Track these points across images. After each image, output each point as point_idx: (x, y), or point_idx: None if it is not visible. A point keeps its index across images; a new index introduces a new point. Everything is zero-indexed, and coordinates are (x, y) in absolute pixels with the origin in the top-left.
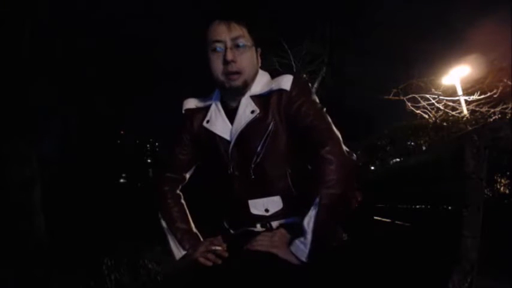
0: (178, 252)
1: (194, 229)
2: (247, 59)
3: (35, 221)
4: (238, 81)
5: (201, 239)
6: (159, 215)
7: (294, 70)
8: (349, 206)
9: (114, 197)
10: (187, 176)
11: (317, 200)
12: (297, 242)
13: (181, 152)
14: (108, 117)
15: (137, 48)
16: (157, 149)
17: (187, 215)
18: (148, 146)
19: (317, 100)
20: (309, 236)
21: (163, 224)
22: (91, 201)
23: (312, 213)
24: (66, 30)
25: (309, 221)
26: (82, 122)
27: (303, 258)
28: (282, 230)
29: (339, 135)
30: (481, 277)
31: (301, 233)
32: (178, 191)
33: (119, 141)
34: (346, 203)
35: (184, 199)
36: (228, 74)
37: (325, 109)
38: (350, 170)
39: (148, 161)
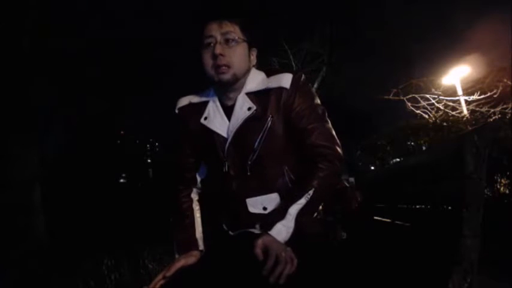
0: (176, 255)
1: (197, 234)
2: (236, 53)
3: (35, 220)
4: (227, 75)
5: (200, 244)
6: (171, 220)
7: (294, 70)
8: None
9: (114, 197)
10: (200, 173)
11: (310, 193)
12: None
13: (183, 150)
14: (108, 117)
15: (138, 48)
16: (157, 149)
17: (193, 219)
18: (148, 146)
19: (318, 101)
20: (291, 223)
21: (172, 227)
22: (91, 201)
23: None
24: (66, 30)
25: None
26: (82, 122)
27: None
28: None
29: (337, 140)
30: (481, 277)
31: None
32: (192, 196)
33: (119, 141)
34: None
35: (199, 201)
36: (217, 67)
37: (326, 112)
38: (336, 177)
39: (148, 161)
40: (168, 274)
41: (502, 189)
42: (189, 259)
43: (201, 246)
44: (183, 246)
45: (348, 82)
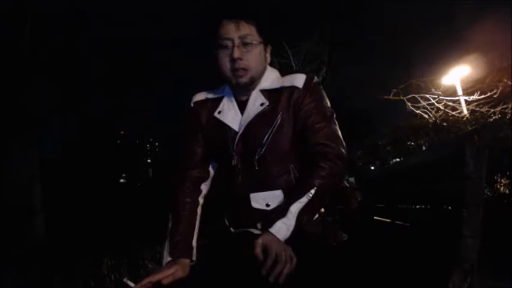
0: (167, 258)
1: (194, 242)
2: (254, 56)
3: (35, 220)
4: (245, 78)
5: (194, 254)
6: (169, 216)
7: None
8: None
9: (114, 197)
10: (211, 170)
11: (312, 191)
12: (278, 223)
13: (197, 144)
14: (108, 117)
15: (138, 48)
16: (157, 149)
17: (194, 225)
18: (148, 146)
19: (328, 103)
20: (293, 221)
21: (169, 225)
22: (91, 201)
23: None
24: (66, 30)
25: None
26: (82, 122)
27: (281, 237)
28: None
29: (342, 141)
30: (481, 277)
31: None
32: (199, 198)
33: (119, 141)
34: (326, 198)
35: (203, 206)
36: (234, 70)
37: (334, 114)
38: (338, 177)
39: (148, 161)
40: (158, 280)
41: (502, 189)
42: (183, 269)
43: (195, 257)
44: (178, 251)
45: (348, 82)
